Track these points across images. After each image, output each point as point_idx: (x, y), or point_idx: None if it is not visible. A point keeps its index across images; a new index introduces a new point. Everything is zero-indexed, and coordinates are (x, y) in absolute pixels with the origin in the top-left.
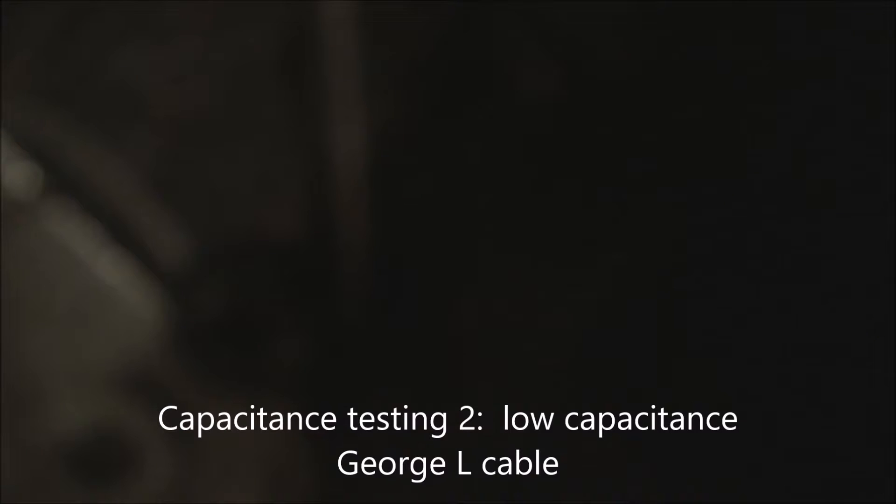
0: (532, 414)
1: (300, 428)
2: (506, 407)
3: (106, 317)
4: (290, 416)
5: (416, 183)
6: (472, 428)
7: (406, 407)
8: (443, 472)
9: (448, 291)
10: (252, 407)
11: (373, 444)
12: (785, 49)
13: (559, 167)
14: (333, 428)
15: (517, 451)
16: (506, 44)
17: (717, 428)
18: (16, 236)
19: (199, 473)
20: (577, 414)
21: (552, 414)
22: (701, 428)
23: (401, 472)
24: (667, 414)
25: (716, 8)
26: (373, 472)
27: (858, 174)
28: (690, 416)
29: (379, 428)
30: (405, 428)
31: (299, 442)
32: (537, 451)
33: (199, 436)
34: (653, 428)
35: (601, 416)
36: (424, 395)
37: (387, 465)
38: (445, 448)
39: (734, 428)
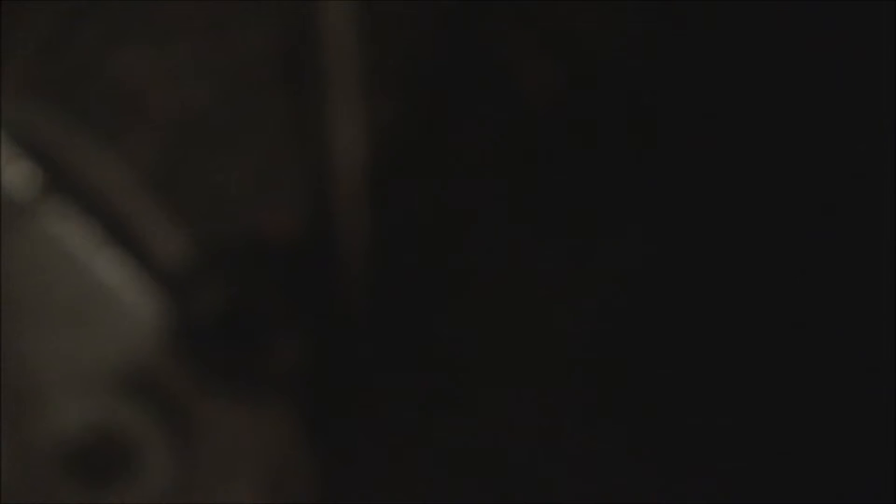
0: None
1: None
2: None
3: (106, 317)
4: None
5: (415, 183)
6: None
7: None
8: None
9: (448, 291)
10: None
11: (373, 444)
12: (786, 48)
13: (559, 167)
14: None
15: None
16: (506, 44)
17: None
18: (15, 236)
19: (199, 473)
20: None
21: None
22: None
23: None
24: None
25: (716, 7)
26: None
27: (861, 173)
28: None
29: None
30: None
31: (299, 442)
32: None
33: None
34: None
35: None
36: (424, 394)
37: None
38: (446, 448)
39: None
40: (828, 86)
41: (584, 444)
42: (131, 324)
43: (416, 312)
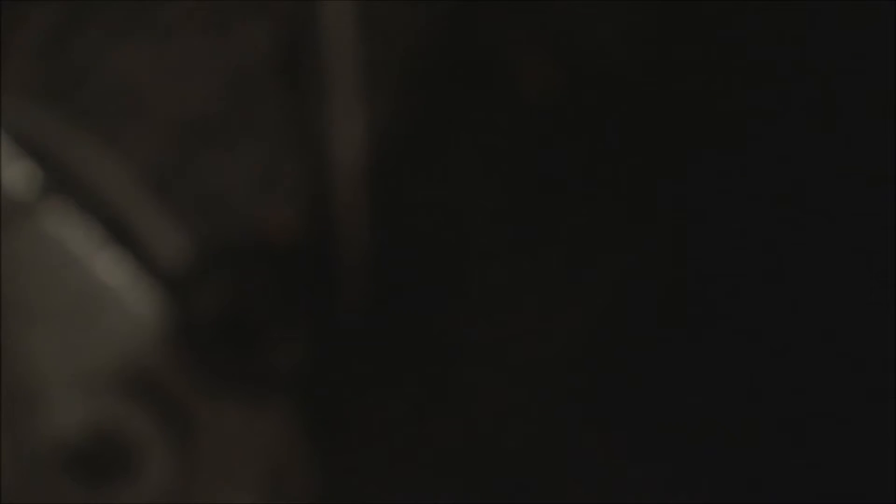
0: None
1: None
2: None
3: (106, 317)
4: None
5: (415, 183)
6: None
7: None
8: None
9: (448, 292)
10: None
11: (372, 444)
12: (786, 48)
13: (559, 167)
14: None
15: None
16: (506, 44)
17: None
18: (15, 236)
19: (199, 473)
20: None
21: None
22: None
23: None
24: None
25: (716, 7)
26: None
27: (861, 173)
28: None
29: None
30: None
31: (299, 442)
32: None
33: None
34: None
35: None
36: (424, 395)
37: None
38: (445, 449)
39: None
40: (829, 86)
41: (584, 443)
42: (131, 324)
43: (416, 313)
